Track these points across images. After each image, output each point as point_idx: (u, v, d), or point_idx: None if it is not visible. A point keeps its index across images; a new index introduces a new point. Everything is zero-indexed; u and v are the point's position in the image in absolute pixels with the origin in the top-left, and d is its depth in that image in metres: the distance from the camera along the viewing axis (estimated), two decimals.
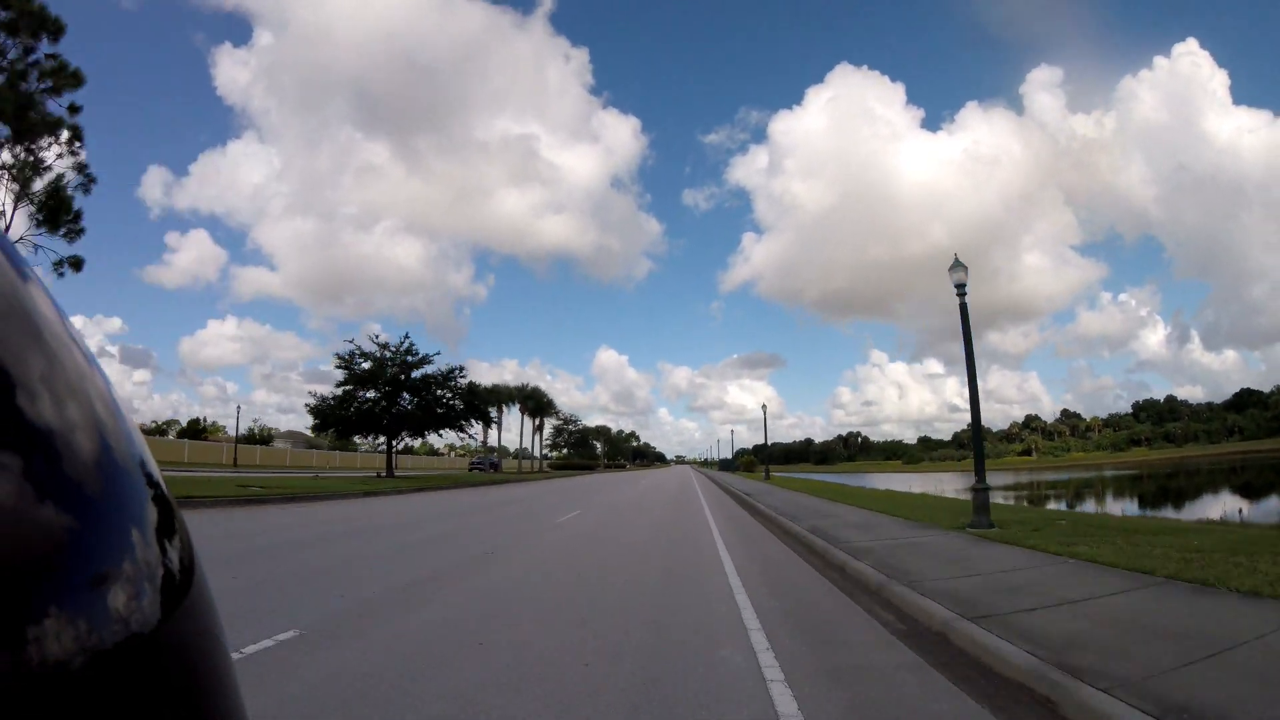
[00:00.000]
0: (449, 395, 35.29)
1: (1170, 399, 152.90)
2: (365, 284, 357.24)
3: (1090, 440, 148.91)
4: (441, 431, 36.93)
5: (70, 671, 0.24)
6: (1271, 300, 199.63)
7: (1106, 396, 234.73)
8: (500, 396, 59.20)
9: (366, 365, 33.02)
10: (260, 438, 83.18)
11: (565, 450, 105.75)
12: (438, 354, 45.74)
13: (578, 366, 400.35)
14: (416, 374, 33.79)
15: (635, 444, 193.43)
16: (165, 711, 0.30)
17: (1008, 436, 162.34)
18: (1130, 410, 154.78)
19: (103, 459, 0.30)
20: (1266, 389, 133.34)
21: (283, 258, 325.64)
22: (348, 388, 32.84)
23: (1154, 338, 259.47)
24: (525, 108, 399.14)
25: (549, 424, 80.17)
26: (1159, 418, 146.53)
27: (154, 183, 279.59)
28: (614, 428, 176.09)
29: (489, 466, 58.66)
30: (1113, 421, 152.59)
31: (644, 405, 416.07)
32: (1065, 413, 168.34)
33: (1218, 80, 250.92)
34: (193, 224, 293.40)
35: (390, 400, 32.97)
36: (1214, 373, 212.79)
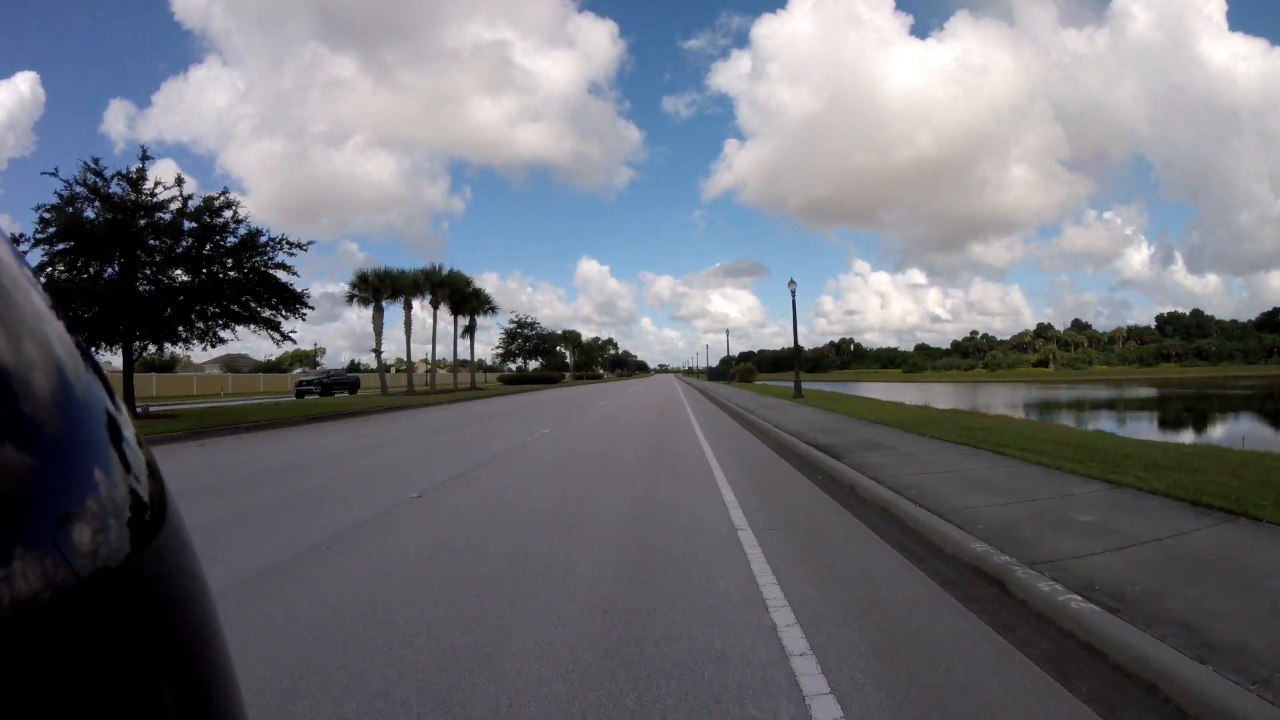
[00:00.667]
0: (247, 271, 16.91)
1: (1197, 313, 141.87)
2: (340, 203, 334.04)
3: (1113, 353, 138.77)
4: (222, 332, 17.68)
5: (38, 609, 0.24)
6: (1258, 227, 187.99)
7: (1088, 312, 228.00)
8: (398, 285, 38.19)
9: (95, 217, 15.34)
10: None
11: (519, 360, 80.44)
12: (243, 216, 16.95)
13: (560, 278, 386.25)
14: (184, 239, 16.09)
15: (613, 352, 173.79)
16: (140, 644, 0.29)
17: (1019, 345, 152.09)
18: (1154, 324, 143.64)
19: (63, 398, 0.30)
20: (1247, 316, 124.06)
21: (254, 181, 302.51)
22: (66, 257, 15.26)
23: (1138, 257, 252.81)
24: (497, 12, 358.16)
25: (494, 326, 60.61)
26: (1185, 332, 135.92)
27: (116, 115, 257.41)
28: (595, 336, 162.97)
29: (331, 388, 36.19)
30: (1135, 334, 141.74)
31: (627, 315, 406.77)
32: (1076, 323, 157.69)
33: (1214, 3, 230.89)
34: (159, 154, 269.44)
35: (127, 277, 15.72)
36: (1195, 295, 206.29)
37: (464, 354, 52.66)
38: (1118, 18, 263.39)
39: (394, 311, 38.99)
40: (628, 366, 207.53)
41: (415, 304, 40.81)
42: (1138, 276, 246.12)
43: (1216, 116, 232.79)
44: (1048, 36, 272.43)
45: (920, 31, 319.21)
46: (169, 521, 0.33)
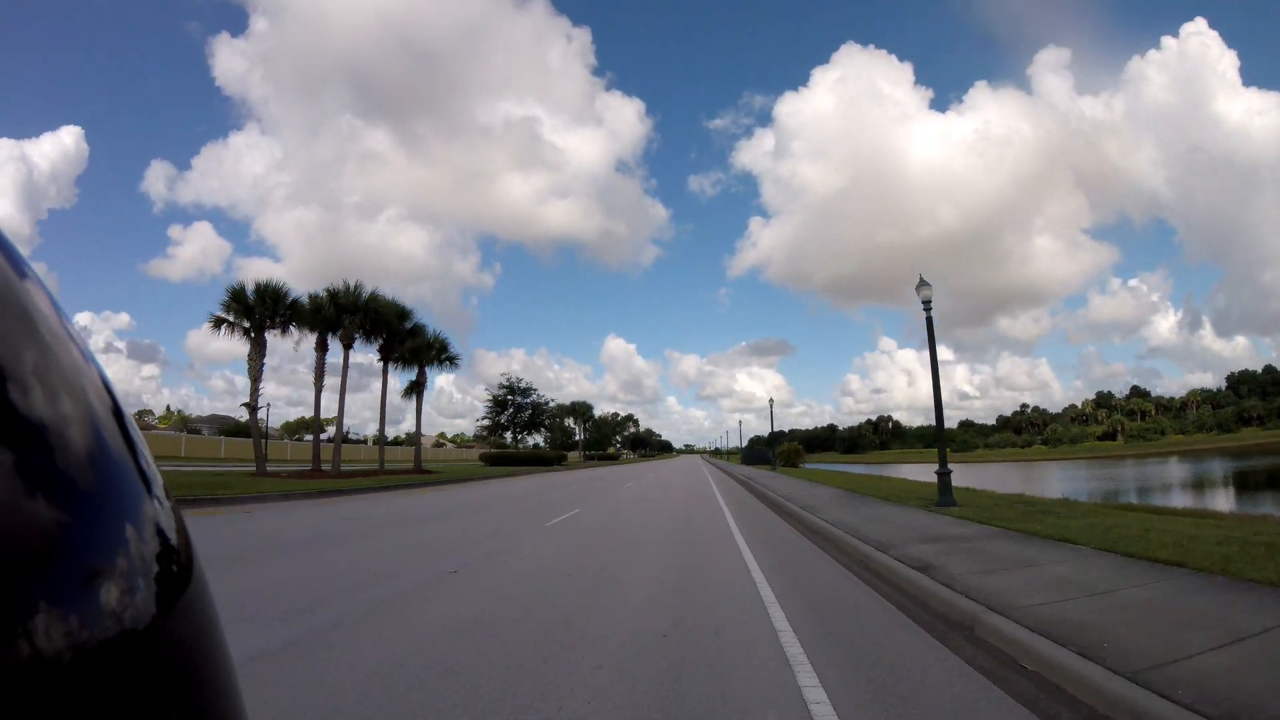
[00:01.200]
0: None
1: (1270, 369, 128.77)
2: (371, 274, 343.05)
3: (1185, 419, 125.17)
4: None
5: (63, 667, 0.24)
6: None
7: (1117, 383, 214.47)
8: (298, 312, 26.23)
9: None
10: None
11: (512, 433, 63.22)
12: None
13: (586, 355, 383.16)
14: None
15: (633, 429, 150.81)
16: (160, 708, 0.29)
17: (1079, 418, 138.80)
18: (1226, 385, 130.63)
19: (97, 454, 0.29)
20: None
21: (287, 249, 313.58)
22: None
23: (1165, 323, 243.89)
24: (527, 90, 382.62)
25: (472, 390, 43.03)
26: (1262, 391, 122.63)
27: (156, 177, 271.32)
28: (615, 411, 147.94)
29: None
30: (1207, 398, 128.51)
31: (652, 394, 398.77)
32: (1135, 389, 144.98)
33: (1227, 61, 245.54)
34: (196, 217, 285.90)
35: None
36: (1224, 359, 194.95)
37: (417, 418, 38.13)
38: (1132, 82, 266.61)
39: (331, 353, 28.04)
40: (650, 446, 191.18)
41: (339, 344, 28.48)
42: (1165, 344, 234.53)
43: (1235, 174, 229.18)
44: (1065, 105, 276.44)
45: (940, 105, 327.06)
46: (195, 580, 0.33)
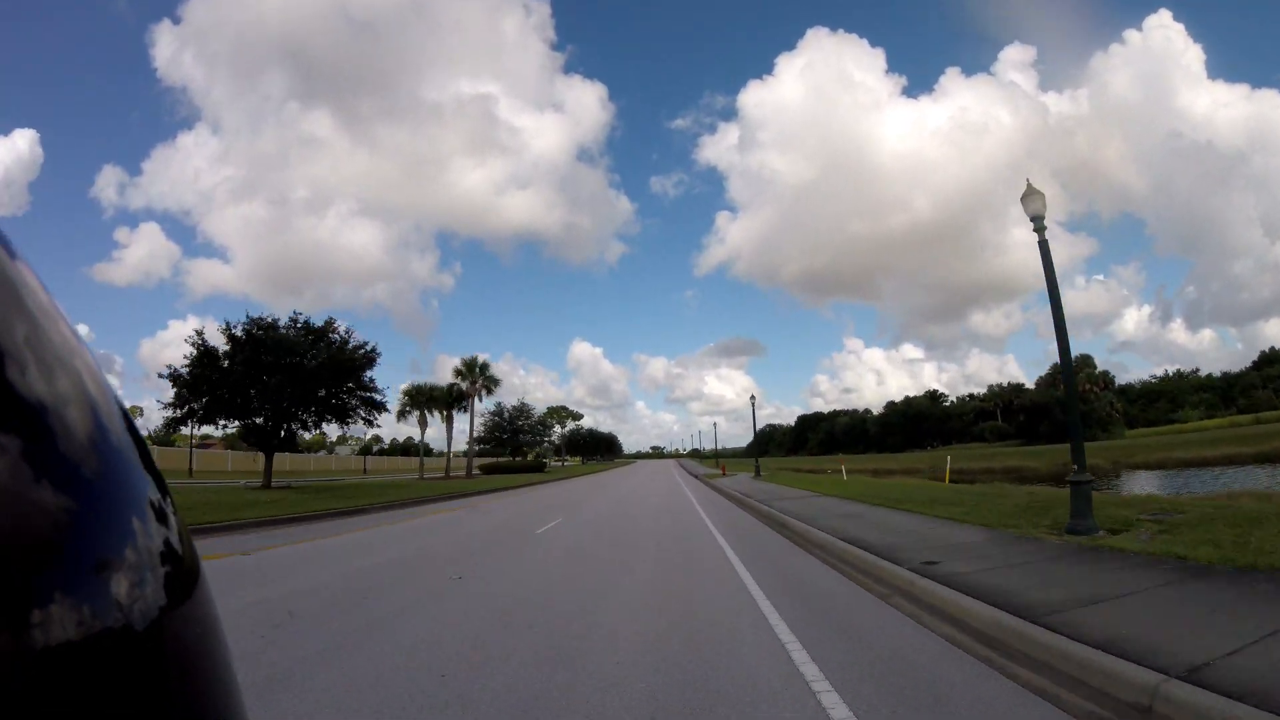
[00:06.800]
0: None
1: None
2: (323, 273, 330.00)
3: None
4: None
5: (72, 657, 0.24)
6: (1255, 275, 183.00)
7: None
8: None
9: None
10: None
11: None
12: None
13: (553, 360, 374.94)
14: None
15: (572, 422, 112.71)
16: (165, 704, 0.28)
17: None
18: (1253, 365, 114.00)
19: (99, 439, 0.28)
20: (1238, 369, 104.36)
21: (236, 249, 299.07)
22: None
23: (1135, 316, 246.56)
24: (482, 65, 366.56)
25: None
26: None
27: (106, 180, 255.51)
28: (589, 422, 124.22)
29: None
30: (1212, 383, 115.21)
31: (621, 398, 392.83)
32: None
33: (1192, 54, 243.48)
34: (144, 218, 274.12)
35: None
36: (1191, 353, 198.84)
37: None
38: (1097, 75, 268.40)
39: None
40: (594, 449, 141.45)
41: None
42: (1133, 338, 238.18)
43: (1204, 166, 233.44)
44: (1030, 103, 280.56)
45: (912, 92, 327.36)
46: (200, 578, 0.33)
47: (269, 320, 25.40)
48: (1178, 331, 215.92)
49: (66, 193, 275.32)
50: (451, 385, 49.51)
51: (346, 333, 26.92)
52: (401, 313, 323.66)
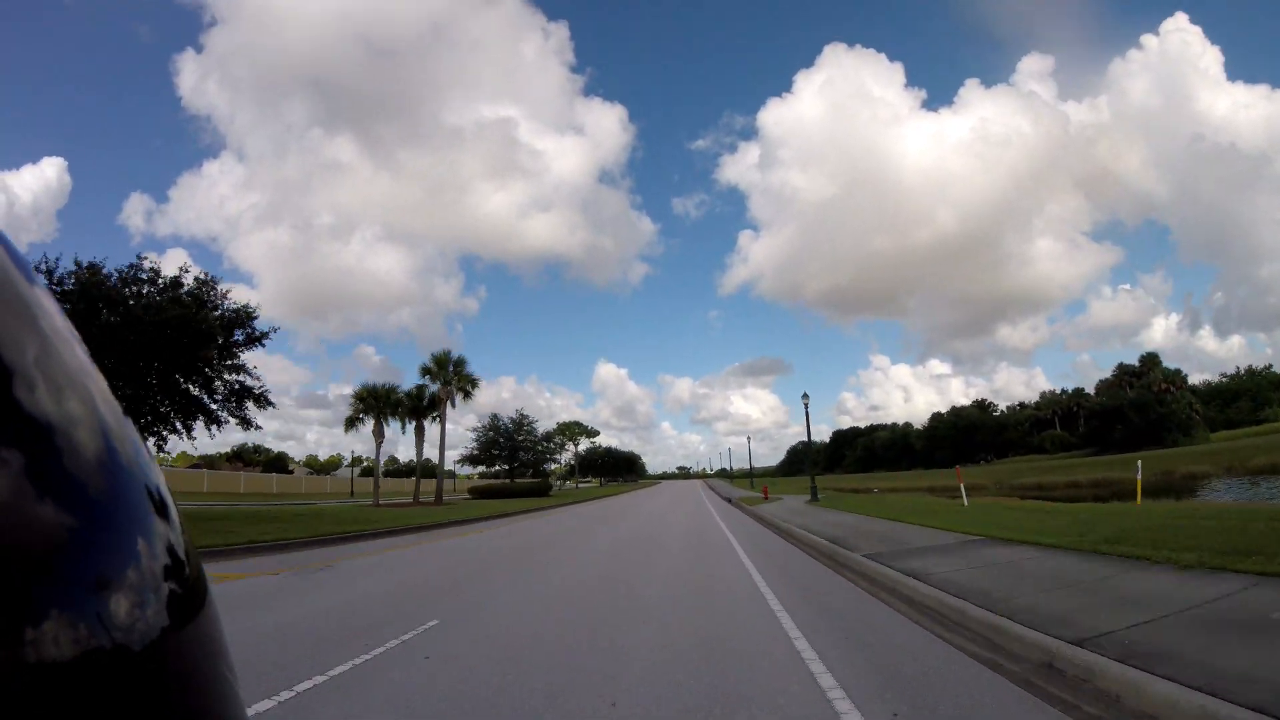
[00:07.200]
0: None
1: None
2: (349, 299, 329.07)
3: None
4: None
5: (68, 675, 0.23)
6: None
7: None
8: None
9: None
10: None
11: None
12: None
13: (578, 382, 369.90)
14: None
15: (588, 439, 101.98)
16: None
17: None
18: None
19: (107, 460, 0.28)
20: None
21: (261, 274, 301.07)
22: None
23: (1163, 325, 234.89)
24: (502, 89, 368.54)
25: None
26: None
27: (134, 208, 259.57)
28: (615, 442, 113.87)
29: None
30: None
31: (646, 419, 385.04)
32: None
33: (1210, 56, 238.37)
34: (173, 244, 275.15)
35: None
36: (1220, 360, 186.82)
37: None
38: (1116, 82, 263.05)
39: None
40: (612, 469, 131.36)
41: None
42: (1161, 347, 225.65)
43: (1227, 169, 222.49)
44: (1050, 112, 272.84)
45: (932, 105, 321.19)
46: (207, 601, 0.32)
47: (90, 265, 16.08)
48: (1206, 339, 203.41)
49: (94, 220, 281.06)
50: (420, 387, 38.77)
51: (210, 281, 17.36)
52: (427, 337, 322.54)
